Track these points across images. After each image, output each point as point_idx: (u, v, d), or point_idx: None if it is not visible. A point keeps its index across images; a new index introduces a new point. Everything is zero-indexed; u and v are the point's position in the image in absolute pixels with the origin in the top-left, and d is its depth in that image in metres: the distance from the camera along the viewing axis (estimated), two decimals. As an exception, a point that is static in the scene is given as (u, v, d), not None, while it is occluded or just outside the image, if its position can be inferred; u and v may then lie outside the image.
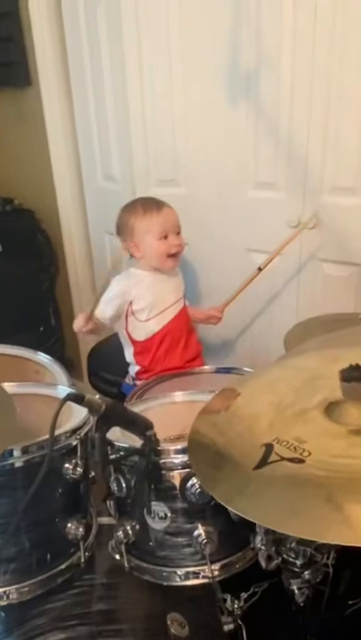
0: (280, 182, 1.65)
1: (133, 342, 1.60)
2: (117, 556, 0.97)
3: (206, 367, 1.57)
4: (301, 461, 0.62)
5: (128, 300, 1.55)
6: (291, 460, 0.63)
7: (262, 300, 1.83)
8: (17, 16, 2.08)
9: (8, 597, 0.91)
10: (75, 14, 1.93)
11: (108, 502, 1.00)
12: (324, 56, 1.46)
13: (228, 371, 1.51)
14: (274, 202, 1.68)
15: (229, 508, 0.62)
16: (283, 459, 0.63)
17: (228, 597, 0.96)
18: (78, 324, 1.52)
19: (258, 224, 1.75)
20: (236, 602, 0.96)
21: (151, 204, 1.55)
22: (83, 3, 1.88)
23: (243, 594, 0.96)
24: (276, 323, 1.79)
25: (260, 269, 1.65)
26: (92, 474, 0.98)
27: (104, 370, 1.66)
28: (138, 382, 1.58)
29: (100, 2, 1.81)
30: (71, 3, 1.93)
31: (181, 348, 1.61)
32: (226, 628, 0.94)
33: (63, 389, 1.11)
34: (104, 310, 1.53)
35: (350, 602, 1.05)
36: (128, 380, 1.66)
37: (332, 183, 1.57)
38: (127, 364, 1.66)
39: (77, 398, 0.74)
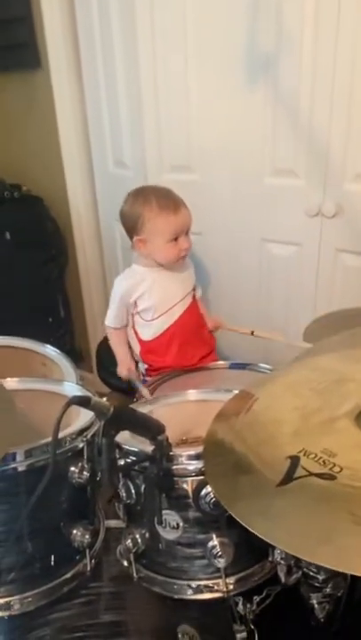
0: (299, 169, 1.57)
1: (140, 342, 1.53)
2: (126, 563, 0.92)
3: (220, 362, 1.51)
4: (332, 478, 0.56)
5: (132, 300, 1.50)
6: (320, 475, 0.56)
7: (278, 293, 1.76)
8: (26, -5, 2.00)
9: (11, 608, 0.86)
10: (86, -8, 1.85)
11: (116, 505, 0.95)
12: (349, 36, 1.37)
13: (242, 366, 1.45)
14: (292, 190, 1.60)
15: (250, 529, 0.56)
16: (311, 474, 0.57)
17: (241, 601, 0.90)
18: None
19: (275, 213, 1.67)
20: (249, 605, 0.90)
21: (168, 203, 1.43)
22: (94, -20, 1.81)
23: (255, 597, 0.91)
24: (293, 317, 1.72)
25: (252, 333, 1.53)
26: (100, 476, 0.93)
27: (114, 364, 1.60)
28: (148, 378, 1.52)
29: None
30: (82, -19, 1.86)
31: (193, 346, 1.53)
32: (239, 637, 0.88)
33: (69, 386, 1.06)
34: (115, 319, 1.52)
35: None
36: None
37: (354, 170, 1.49)
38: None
39: (82, 401, 0.68)
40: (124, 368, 1.53)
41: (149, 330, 1.51)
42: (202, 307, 1.64)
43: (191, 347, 1.52)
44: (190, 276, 1.59)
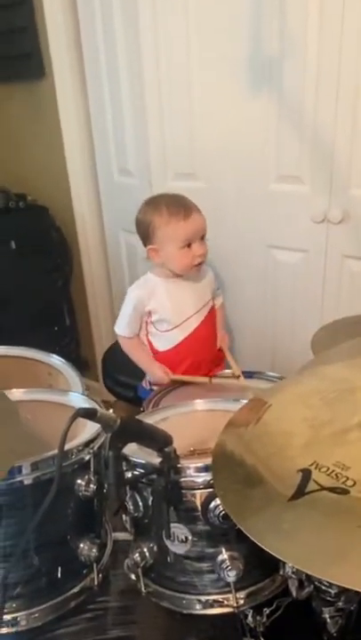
0: (304, 175, 1.56)
1: (155, 352, 1.49)
2: (133, 576, 0.90)
3: (228, 371, 1.49)
4: (345, 492, 0.54)
5: (146, 309, 1.46)
6: (332, 489, 0.55)
7: (284, 300, 1.74)
8: (30, 5, 2.00)
9: (18, 624, 0.84)
10: (89, 2, 1.85)
11: (123, 517, 0.94)
12: (354, 39, 1.36)
13: (250, 375, 1.43)
14: (298, 196, 1.59)
15: (261, 545, 0.54)
16: (323, 488, 0.55)
17: (250, 613, 0.89)
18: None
19: (280, 219, 1.66)
20: (258, 617, 0.89)
21: (178, 209, 1.39)
22: (97, -10, 1.81)
23: (265, 609, 0.89)
24: (299, 324, 1.71)
25: (237, 377, 1.44)
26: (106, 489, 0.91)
27: (120, 372, 1.58)
28: (155, 387, 1.50)
29: (114, -12, 1.74)
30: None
31: (205, 360, 1.48)
32: (249, 651, 0.87)
33: (75, 396, 1.05)
34: (127, 328, 1.47)
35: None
36: (145, 384, 1.58)
37: (360, 176, 1.47)
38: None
39: (89, 414, 0.67)
40: (158, 372, 1.44)
41: (163, 341, 1.48)
42: (220, 317, 1.60)
43: (204, 361, 1.48)
44: (207, 285, 1.54)
